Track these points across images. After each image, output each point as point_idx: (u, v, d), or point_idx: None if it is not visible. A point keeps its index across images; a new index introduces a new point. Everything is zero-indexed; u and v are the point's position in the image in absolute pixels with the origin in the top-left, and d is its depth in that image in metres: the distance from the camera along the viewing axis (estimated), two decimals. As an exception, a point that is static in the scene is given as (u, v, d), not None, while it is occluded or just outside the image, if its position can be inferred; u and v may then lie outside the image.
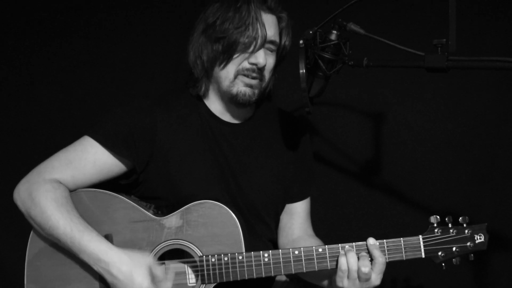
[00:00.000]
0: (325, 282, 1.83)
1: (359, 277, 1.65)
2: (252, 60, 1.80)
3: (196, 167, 1.86)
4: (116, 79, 2.73)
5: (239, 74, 1.81)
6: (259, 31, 1.77)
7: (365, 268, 1.63)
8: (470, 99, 2.48)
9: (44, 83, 2.75)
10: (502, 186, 2.47)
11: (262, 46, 1.80)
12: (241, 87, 1.82)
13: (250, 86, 1.82)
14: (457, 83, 2.46)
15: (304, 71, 1.65)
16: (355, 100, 2.58)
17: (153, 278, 1.68)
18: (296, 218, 2.07)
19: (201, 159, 1.87)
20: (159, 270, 1.69)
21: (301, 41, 1.69)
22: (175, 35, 2.66)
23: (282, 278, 2.04)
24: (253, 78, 1.82)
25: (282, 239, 2.06)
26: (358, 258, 1.65)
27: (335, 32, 1.68)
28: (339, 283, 1.68)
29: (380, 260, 1.65)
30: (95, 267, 1.71)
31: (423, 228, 1.74)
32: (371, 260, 1.66)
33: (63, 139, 1.88)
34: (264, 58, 1.80)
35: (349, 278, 1.66)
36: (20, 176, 1.83)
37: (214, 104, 1.91)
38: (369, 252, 1.67)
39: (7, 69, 2.76)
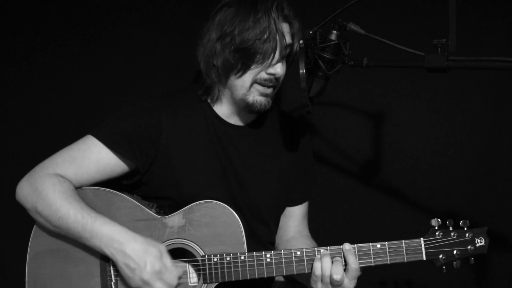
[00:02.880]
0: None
1: (331, 282, 1.66)
2: (271, 70, 1.77)
3: (199, 169, 1.86)
4: (117, 78, 2.73)
5: (255, 83, 1.79)
6: (279, 42, 1.75)
7: (337, 276, 1.64)
8: (470, 99, 2.48)
9: (45, 82, 2.75)
10: (503, 185, 2.47)
11: (281, 57, 1.78)
12: (257, 97, 1.80)
13: (266, 95, 1.81)
14: (457, 83, 2.46)
15: (304, 71, 1.65)
16: (355, 100, 2.58)
17: (162, 266, 1.69)
18: (292, 221, 2.08)
19: (205, 161, 1.87)
20: (169, 260, 1.70)
21: (301, 41, 1.69)
22: (177, 34, 2.66)
23: (281, 278, 2.05)
24: (269, 87, 1.80)
25: (277, 239, 2.07)
26: (332, 263, 1.66)
27: (335, 32, 1.68)
28: (313, 285, 1.70)
29: (354, 266, 1.66)
30: (107, 250, 1.71)
31: (423, 228, 1.75)
32: (346, 264, 1.67)
33: (64, 138, 1.88)
34: (282, 69, 1.80)
35: (323, 282, 1.68)
36: (20, 176, 1.83)
37: (222, 108, 1.90)
38: (344, 257, 1.68)
39: (8, 68, 2.76)
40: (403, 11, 2.48)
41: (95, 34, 2.73)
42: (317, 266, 1.67)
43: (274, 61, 1.76)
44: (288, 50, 1.81)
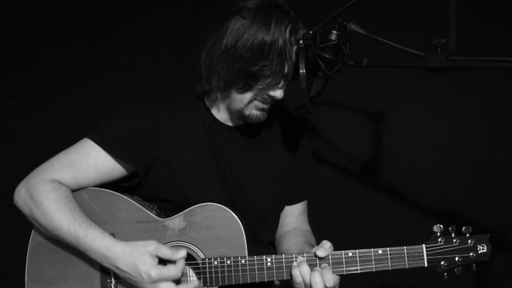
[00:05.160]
0: None
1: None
2: (272, 93, 1.75)
3: (198, 171, 1.85)
4: (116, 78, 2.73)
5: (255, 100, 1.77)
6: (287, 69, 1.72)
7: (330, 283, 1.63)
8: (470, 99, 2.48)
9: (44, 83, 2.75)
10: (503, 185, 2.47)
11: (285, 82, 1.75)
12: (253, 111, 1.79)
13: (263, 109, 1.80)
14: (457, 83, 2.46)
15: (304, 71, 1.64)
16: (355, 100, 2.58)
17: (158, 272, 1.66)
18: (289, 218, 2.07)
19: (203, 163, 1.86)
20: (164, 251, 1.67)
21: (301, 41, 1.69)
22: (176, 35, 2.66)
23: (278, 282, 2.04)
24: (268, 103, 1.79)
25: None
26: (322, 270, 1.65)
27: (335, 32, 1.67)
28: None
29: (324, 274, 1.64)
30: (105, 264, 1.71)
31: (423, 228, 1.74)
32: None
33: (64, 140, 1.87)
34: (283, 92, 1.77)
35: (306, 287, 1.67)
36: (20, 177, 1.82)
37: (219, 111, 1.89)
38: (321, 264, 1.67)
39: (7, 70, 2.76)
40: (403, 11, 2.48)
41: (94, 35, 2.73)
42: (295, 273, 1.67)
43: (278, 86, 1.75)
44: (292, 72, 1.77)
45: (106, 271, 1.78)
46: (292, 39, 1.70)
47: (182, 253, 1.69)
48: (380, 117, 2.56)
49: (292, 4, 1.80)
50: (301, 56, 1.65)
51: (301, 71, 1.64)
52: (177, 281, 1.71)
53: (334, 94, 2.55)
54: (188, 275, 1.79)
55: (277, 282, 1.99)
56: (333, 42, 1.67)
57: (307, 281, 1.64)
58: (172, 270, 1.67)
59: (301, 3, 1.90)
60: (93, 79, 2.73)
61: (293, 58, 1.73)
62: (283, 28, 1.68)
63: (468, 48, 2.19)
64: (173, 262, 1.70)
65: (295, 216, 2.07)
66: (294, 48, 1.72)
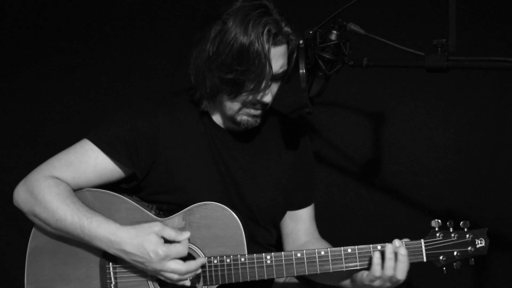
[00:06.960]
0: (347, 282, 1.82)
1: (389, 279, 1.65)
2: (259, 98, 1.73)
3: (197, 174, 1.84)
4: (115, 79, 2.73)
5: (244, 107, 1.76)
6: (269, 72, 1.67)
7: (401, 275, 1.63)
8: (470, 99, 2.48)
9: (43, 84, 2.75)
10: (503, 185, 2.47)
11: (270, 85, 1.72)
12: (244, 117, 1.78)
13: (254, 116, 1.79)
14: (457, 83, 2.46)
15: (304, 71, 1.64)
16: (355, 100, 2.58)
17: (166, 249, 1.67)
18: (301, 224, 2.05)
19: (202, 166, 1.85)
20: (169, 231, 1.69)
21: (301, 41, 1.68)
22: (175, 35, 2.66)
23: (281, 279, 2.03)
24: (258, 109, 1.78)
25: (289, 245, 2.04)
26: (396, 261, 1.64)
27: (335, 32, 1.68)
28: (368, 283, 1.68)
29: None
30: (111, 251, 1.71)
31: (423, 228, 1.74)
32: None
33: (64, 140, 1.87)
34: (271, 96, 1.75)
35: (383, 279, 1.66)
36: (20, 177, 1.82)
37: (216, 116, 1.88)
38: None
39: (6, 70, 2.76)
40: (403, 11, 2.48)
41: (93, 36, 2.73)
42: (377, 269, 1.65)
43: (265, 91, 1.72)
44: (281, 73, 1.74)
45: (105, 272, 1.79)
46: (270, 40, 1.64)
47: (186, 234, 1.71)
48: (380, 117, 2.56)
49: (293, 4, 1.80)
50: (301, 56, 1.65)
51: (301, 71, 1.64)
52: (184, 259, 1.71)
53: (334, 94, 2.55)
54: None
55: (279, 280, 1.99)
56: (333, 42, 1.67)
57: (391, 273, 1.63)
58: (178, 247, 1.68)
59: (301, 3, 1.90)
60: (93, 79, 2.73)
61: (278, 60, 1.69)
62: (260, 30, 1.62)
63: (468, 48, 2.19)
64: (177, 243, 1.71)
65: (307, 222, 2.05)
66: (278, 49, 1.68)
